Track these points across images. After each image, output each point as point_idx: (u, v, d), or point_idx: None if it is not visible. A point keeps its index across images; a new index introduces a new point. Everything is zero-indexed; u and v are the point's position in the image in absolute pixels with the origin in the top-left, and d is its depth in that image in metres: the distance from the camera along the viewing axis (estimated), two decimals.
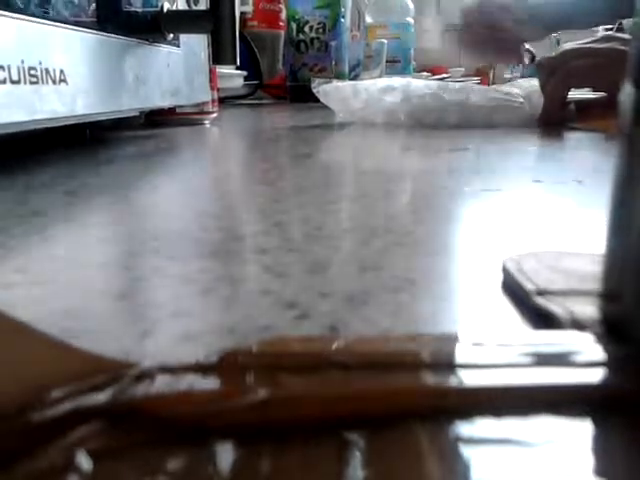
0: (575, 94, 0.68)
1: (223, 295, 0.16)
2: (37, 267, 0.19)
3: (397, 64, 1.31)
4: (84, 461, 0.09)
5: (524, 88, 0.68)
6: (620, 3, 0.85)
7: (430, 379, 0.11)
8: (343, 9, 1.21)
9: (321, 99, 0.72)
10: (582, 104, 0.68)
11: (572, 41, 0.69)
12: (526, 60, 1.02)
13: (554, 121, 0.65)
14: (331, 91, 0.71)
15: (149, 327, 0.14)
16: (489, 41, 0.84)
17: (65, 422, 0.09)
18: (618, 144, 0.13)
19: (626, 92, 0.13)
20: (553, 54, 0.69)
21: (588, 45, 0.66)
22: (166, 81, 0.51)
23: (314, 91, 0.72)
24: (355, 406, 0.10)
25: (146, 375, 0.11)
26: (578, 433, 0.10)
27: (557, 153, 0.49)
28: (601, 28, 2.00)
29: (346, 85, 0.71)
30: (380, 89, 0.68)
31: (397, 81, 0.69)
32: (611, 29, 1.97)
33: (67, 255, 0.20)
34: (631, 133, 0.12)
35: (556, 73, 0.65)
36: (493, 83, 1.59)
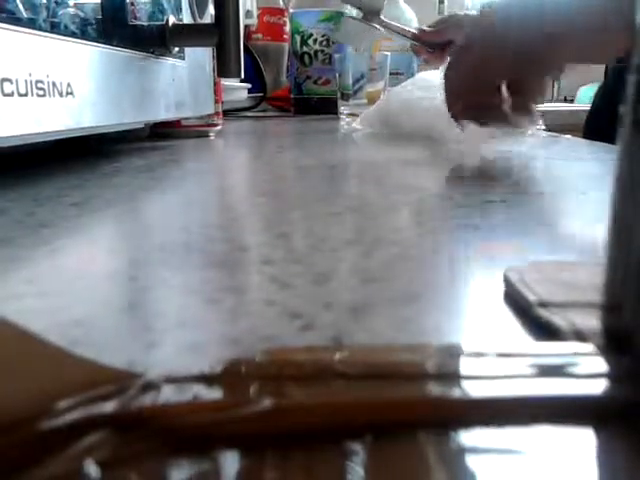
0: None
1: (228, 306, 0.16)
2: (45, 278, 0.19)
3: (400, 76, 1.31)
4: (93, 470, 0.09)
5: None
6: None
7: (433, 389, 0.11)
8: None
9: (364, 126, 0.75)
10: None
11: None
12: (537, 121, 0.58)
13: None
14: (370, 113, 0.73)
15: (155, 338, 0.14)
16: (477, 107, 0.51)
17: (73, 431, 0.09)
18: (617, 154, 0.13)
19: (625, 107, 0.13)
20: None
21: None
22: (171, 94, 0.51)
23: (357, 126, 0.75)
24: (358, 416, 0.10)
25: (152, 385, 0.11)
26: (579, 444, 0.10)
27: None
28: None
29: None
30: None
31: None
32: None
33: (74, 266, 0.20)
34: (630, 141, 0.12)
35: None
36: None
